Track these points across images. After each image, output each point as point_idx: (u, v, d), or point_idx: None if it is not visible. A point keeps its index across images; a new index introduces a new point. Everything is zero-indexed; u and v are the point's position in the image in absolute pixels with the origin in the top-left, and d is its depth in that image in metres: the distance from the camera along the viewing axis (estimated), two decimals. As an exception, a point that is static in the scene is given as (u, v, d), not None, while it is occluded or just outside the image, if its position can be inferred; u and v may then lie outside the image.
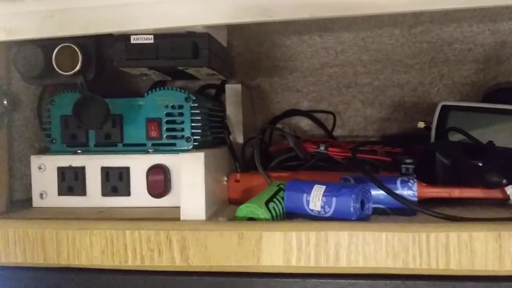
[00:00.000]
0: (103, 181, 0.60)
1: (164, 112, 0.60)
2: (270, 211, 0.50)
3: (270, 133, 0.81)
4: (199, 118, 0.60)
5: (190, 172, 0.50)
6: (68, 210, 0.59)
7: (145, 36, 0.54)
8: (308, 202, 0.50)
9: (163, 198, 0.59)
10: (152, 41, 0.54)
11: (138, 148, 0.61)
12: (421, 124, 0.66)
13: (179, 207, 0.50)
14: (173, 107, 0.60)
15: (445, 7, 0.46)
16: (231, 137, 0.68)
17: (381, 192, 0.51)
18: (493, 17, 0.68)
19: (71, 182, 0.60)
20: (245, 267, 0.46)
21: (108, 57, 0.58)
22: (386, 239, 0.43)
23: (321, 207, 0.49)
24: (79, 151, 0.62)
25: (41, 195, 0.61)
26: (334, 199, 0.49)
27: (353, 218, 0.48)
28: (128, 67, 0.56)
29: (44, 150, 0.64)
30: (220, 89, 0.74)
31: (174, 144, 0.61)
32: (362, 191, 0.49)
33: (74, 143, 0.62)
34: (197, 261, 0.46)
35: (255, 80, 0.82)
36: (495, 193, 0.53)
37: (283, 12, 0.48)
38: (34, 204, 0.61)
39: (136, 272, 0.48)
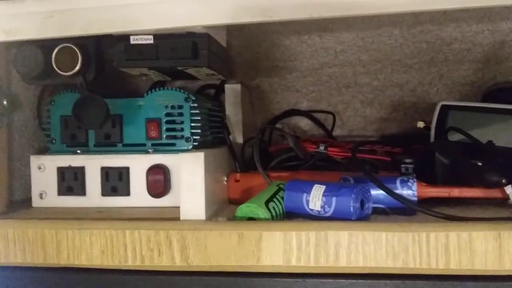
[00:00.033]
0: (102, 181, 0.60)
1: (164, 112, 0.60)
2: (270, 211, 0.50)
3: (269, 133, 0.81)
4: (199, 118, 0.60)
5: (190, 172, 0.50)
6: (67, 210, 0.59)
7: (145, 37, 0.54)
8: (308, 202, 0.50)
9: (162, 198, 0.59)
10: (151, 42, 0.54)
11: (137, 148, 0.61)
12: (420, 124, 0.66)
13: (179, 207, 0.50)
14: (172, 107, 0.60)
15: (444, 7, 0.46)
16: (230, 137, 0.68)
17: (381, 191, 0.51)
18: (492, 17, 0.68)
19: (71, 182, 0.60)
20: (245, 267, 0.46)
21: (108, 58, 0.58)
22: (386, 239, 0.43)
23: (321, 207, 0.49)
24: (78, 151, 0.62)
25: (40, 195, 0.61)
26: (334, 198, 0.49)
27: (353, 218, 0.48)
28: (128, 67, 0.56)
29: (44, 150, 0.64)
30: (220, 89, 0.74)
31: (173, 144, 0.61)
32: (362, 191, 0.50)
33: (74, 143, 0.62)
34: (197, 261, 0.46)
35: (254, 80, 0.82)
36: (494, 193, 0.53)
37: (282, 12, 0.48)
38: (34, 204, 0.61)
39: (136, 272, 0.48)
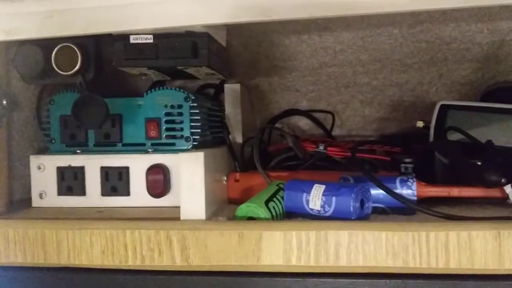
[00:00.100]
0: (102, 181, 0.60)
1: (164, 112, 0.60)
2: (270, 210, 0.50)
3: (269, 132, 0.81)
4: (199, 117, 0.60)
5: (190, 172, 0.50)
6: (67, 210, 0.59)
7: (145, 36, 0.54)
8: (307, 201, 0.50)
9: (162, 198, 0.59)
10: (151, 41, 0.54)
11: (137, 148, 0.61)
12: (420, 124, 0.66)
13: (179, 207, 0.50)
14: (172, 106, 0.60)
15: (443, 6, 0.46)
16: (230, 136, 0.68)
17: (381, 191, 0.51)
18: (491, 16, 0.68)
19: (71, 182, 0.60)
20: (245, 267, 0.46)
21: (107, 57, 0.58)
22: (386, 238, 0.43)
23: (321, 206, 0.49)
24: (78, 151, 0.62)
25: (40, 195, 0.61)
26: (333, 198, 0.49)
27: (352, 218, 0.48)
28: (128, 67, 0.56)
29: (44, 150, 0.64)
30: (219, 88, 0.74)
31: (173, 144, 0.61)
32: (362, 190, 0.50)
33: (74, 143, 0.62)
34: (197, 261, 0.46)
35: (254, 79, 0.82)
36: (494, 192, 0.53)
37: (282, 12, 0.48)
38: (34, 204, 0.61)
39: (136, 272, 0.48)
